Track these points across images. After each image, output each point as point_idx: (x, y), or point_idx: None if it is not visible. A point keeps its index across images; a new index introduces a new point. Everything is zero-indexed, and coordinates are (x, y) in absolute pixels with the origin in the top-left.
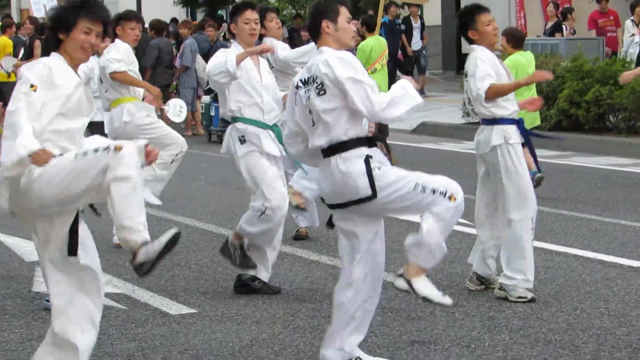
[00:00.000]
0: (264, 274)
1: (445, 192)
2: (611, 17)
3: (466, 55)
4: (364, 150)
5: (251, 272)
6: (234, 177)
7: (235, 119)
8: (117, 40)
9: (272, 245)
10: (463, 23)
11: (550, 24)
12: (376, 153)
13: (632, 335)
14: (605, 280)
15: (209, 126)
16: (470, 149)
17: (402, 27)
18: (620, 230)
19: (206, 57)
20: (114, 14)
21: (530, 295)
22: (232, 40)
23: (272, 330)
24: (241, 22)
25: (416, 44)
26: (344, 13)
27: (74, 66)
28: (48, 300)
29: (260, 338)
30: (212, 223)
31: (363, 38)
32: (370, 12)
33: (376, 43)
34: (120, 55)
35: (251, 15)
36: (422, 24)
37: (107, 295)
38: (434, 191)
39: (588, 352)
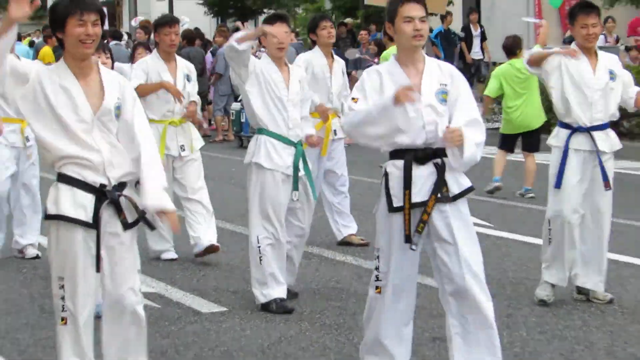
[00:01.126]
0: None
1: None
2: None
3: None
4: None
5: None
6: None
7: (260, 131)
8: (154, 51)
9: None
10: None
11: (569, 33)
12: None
13: None
14: (619, 279)
15: (239, 132)
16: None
17: (462, 35)
18: (635, 231)
19: None
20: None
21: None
22: (261, 50)
23: (299, 328)
24: (269, 35)
25: (477, 52)
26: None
27: (80, 67)
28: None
29: (288, 335)
30: (241, 225)
31: (384, 48)
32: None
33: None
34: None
35: (280, 27)
36: (483, 32)
37: (142, 293)
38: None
39: (602, 347)
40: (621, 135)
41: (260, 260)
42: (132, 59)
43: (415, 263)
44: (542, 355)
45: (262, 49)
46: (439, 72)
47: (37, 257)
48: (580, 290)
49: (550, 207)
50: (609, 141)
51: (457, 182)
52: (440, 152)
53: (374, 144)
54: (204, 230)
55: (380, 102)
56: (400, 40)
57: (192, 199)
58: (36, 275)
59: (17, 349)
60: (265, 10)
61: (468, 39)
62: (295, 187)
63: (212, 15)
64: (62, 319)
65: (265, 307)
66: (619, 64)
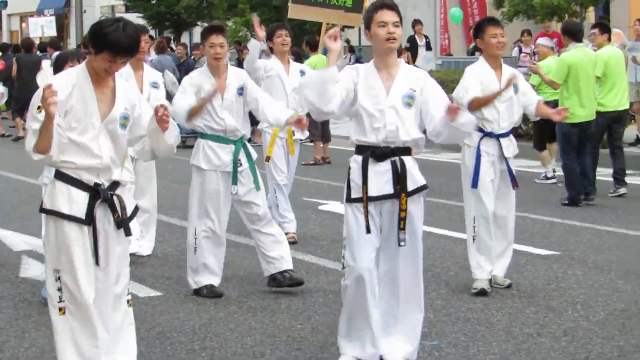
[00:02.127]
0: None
1: None
2: (555, 39)
3: None
4: None
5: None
6: None
7: (201, 135)
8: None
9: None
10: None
11: (473, 44)
12: None
13: (539, 314)
14: (517, 266)
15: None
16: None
17: (407, 45)
18: (530, 223)
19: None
20: None
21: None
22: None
23: (227, 310)
24: (207, 46)
25: (420, 62)
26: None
27: (98, 75)
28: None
29: (217, 317)
30: (176, 217)
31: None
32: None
33: (319, 61)
34: None
35: (216, 39)
36: (428, 42)
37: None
38: None
39: (501, 328)
40: (519, 136)
41: (195, 250)
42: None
43: (373, 250)
44: (448, 336)
45: (266, 55)
46: (412, 78)
47: None
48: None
49: (472, 207)
50: (512, 147)
51: (413, 179)
52: (399, 152)
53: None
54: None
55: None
56: (375, 45)
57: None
58: None
59: None
60: (198, 23)
61: (413, 49)
62: (234, 182)
63: (151, 27)
64: (60, 309)
65: (197, 292)
66: (521, 77)
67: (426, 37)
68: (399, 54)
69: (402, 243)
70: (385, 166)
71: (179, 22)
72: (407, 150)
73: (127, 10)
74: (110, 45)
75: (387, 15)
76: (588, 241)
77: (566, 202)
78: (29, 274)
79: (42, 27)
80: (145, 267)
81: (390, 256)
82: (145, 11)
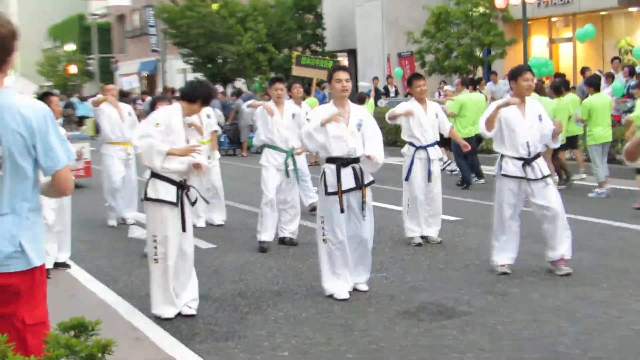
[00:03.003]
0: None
1: None
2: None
3: None
4: None
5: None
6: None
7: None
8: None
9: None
10: None
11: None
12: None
13: (448, 256)
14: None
15: None
16: None
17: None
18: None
19: None
20: None
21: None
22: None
23: (256, 256)
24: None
25: (380, 102)
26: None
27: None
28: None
29: (250, 260)
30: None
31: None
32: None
33: (312, 102)
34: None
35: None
36: (384, 90)
37: None
38: None
39: (425, 265)
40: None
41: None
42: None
43: (343, 224)
44: (391, 269)
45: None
46: (358, 113)
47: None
48: (424, 237)
49: (406, 192)
50: (435, 153)
51: (367, 177)
52: (356, 160)
53: (320, 151)
54: None
55: (316, 124)
56: (334, 93)
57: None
58: None
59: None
60: (236, 79)
61: (377, 95)
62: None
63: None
64: (155, 260)
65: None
66: (440, 108)
67: (384, 87)
68: (362, 101)
69: (364, 217)
70: (349, 170)
71: (224, 79)
72: (358, 159)
73: (193, 71)
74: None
75: (342, 75)
76: (481, 211)
77: (459, 184)
78: (134, 235)
79: (131, 83)
80: (207, 230)
81: (357, 225)
82: (205, 72)
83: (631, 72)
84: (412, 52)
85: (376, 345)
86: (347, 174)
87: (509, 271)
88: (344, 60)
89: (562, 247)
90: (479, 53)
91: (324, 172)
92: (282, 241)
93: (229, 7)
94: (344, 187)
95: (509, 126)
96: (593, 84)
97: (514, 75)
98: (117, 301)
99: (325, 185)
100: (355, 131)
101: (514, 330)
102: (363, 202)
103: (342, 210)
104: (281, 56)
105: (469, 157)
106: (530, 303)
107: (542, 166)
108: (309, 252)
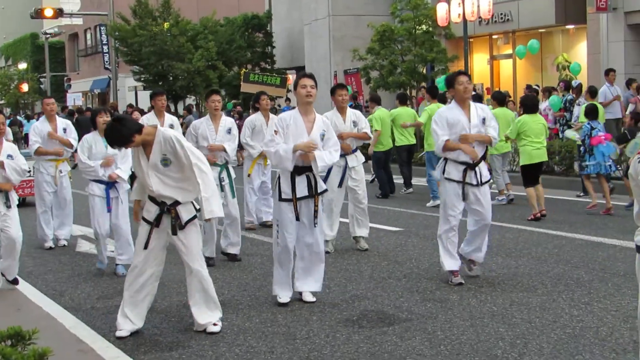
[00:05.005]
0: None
1: None
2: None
3: None
4: None
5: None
6: None
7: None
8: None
9: None
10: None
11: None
12: None
13: (388, 260)
14: (373, 236)
15: None
16: None
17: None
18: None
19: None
20: None
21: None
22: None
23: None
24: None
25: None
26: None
27: None
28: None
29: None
30: None
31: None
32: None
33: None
34: None
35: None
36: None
37: None
38: None
39: (366, 271)
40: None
41: None
42: None
43: (295, 230)
44: (334, 279)
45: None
46: (323, 122)
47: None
48: (356, 239)
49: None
50: (355, 160)
51: (320, 186)
52: (311, 169)
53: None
54: None
55: (287, 147)
56: (299, 99)
57: None
58: None
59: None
60: (188, 96)
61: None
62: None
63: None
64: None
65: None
66: (359, 116)
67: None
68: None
69: (316, 225)
70: (303, 178)
71: (175, 96)
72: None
73: (144, 89)
74: None
75: (307, 81)
76: (422, 221)
77: (379, 196)
78: (82, 249)
79: (74, 100)
80: None
81: (310, 232)
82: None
83: (566, 87)
84: (358, 69)
85: (318, 353)
86: (301, 181)
87: (463, 281)
88: (291, 77)
89: (481, 253)
90: (422, 69)
91: (278, 178)
92: (228, 256)
93: (180, 26)
94: (297, 195)
95: (453, 129)
96: (524, 104)
97: (450, 82)
98: (62, 314)
99: (280, 191)
100: (318, 140)
101: (452, 335)
102: (315, 211)
103: (297, 218)
104: (231, 74)
105: (388, 169)
106: (469, 309)
107: (483, 172)
108: (254, 264)
